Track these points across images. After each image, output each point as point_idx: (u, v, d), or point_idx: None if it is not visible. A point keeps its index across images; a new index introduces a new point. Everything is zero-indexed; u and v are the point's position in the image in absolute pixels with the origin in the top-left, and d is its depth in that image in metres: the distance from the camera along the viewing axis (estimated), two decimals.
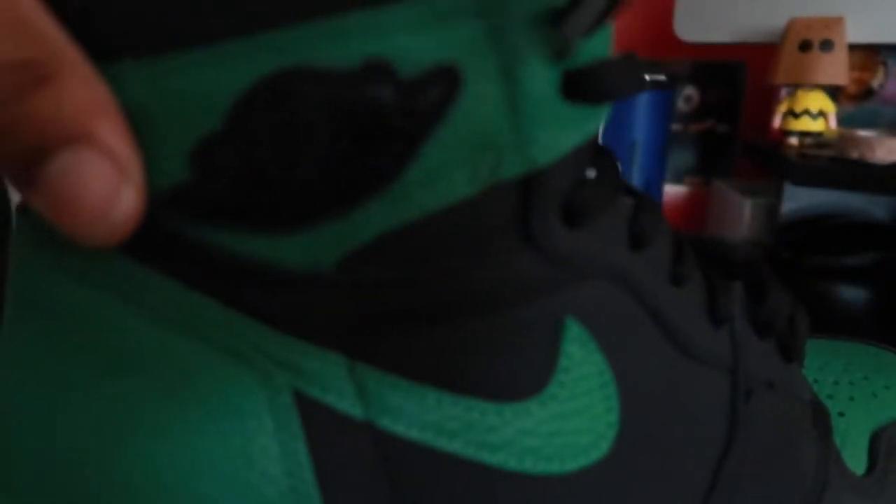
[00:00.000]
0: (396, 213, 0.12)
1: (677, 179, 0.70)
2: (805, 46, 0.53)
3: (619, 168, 0.14)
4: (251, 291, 0.12)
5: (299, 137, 0.11)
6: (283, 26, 0.10)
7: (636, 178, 0.66)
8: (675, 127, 0.69)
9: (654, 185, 0.67)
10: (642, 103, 0.65)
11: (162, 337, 0.12)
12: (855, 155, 0.49)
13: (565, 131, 0.12)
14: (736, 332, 0.16)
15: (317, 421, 0.13)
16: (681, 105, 0.68)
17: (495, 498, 0.14)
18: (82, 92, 0.11)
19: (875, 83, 0.63)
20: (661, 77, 0.64)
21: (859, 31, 0.54)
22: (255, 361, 0.12)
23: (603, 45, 0.13)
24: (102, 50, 0.11)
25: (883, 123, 0.64)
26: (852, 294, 0.48)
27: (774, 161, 0.53)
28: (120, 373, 0.12)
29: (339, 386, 0.13)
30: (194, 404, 0.12)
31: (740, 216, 0.62)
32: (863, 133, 0.54)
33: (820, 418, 0.17)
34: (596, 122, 0.13)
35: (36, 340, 0.13)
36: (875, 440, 0.18)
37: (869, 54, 0.63)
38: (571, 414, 0.14)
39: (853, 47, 0.56)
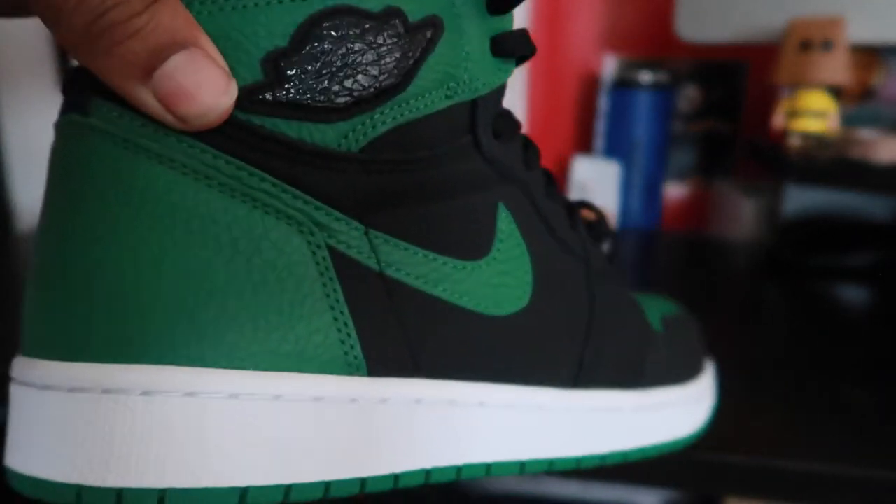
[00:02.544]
0: (402, 112, 0.17)
1: (678, 179, 0.70)
2: (806, 46, 0.53)
3: (514, 114, 0.21)
4: (299, 168, 0.16)
5: (344, 54, 0.16)
6: None
7: (637, 178, 0.66)
8: (676, 127, 0.69)
9: (655, 185, 0.67)
10: (643, 103, 0.65)
11: (228, 204, 0.16)
12: (856, 155, 0.49)
13: (493, 75, 0.19)
14: (583, 237, 0.23)
15: (346, 269, 0.18)
16: (682, 105, 0.69)
17: (466, 331, 0.20)
18: (183, 9, 0.15)
19: (875, 83, 0.63)
20: (663, 77, 0.64)
21: (860, 31, 0.54)
22: (300, 223, 0.17)
23: (510, 22, 0.19)
24: None
25: (883, 123, 0.64)
26: (852, 294, 0.48)
27: (775, 161, 0.53)
28: (196, 235, 0.16)
29: (359, 245, 0.18)
30: (256, 256, 0.16)
31: (741, 216, 0.62)
32: (863, 133, 0.54)
33: (634, 301, 0.25)
34: (508, 73, 0.20)
35: (121, 215, 0.16)
36: (663, 319, 0.26)
37: (869, 54, 0.63)
38: (506, 273, 0.20)
39: (854, 47, 0.56)
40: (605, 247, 0.26)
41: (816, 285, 0.50)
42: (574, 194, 0.67)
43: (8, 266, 0.51)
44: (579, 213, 0.24)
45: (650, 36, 0.68)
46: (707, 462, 0.26)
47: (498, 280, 0.20)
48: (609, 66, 0.69)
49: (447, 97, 0.18)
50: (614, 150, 0.66)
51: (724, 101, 0.68)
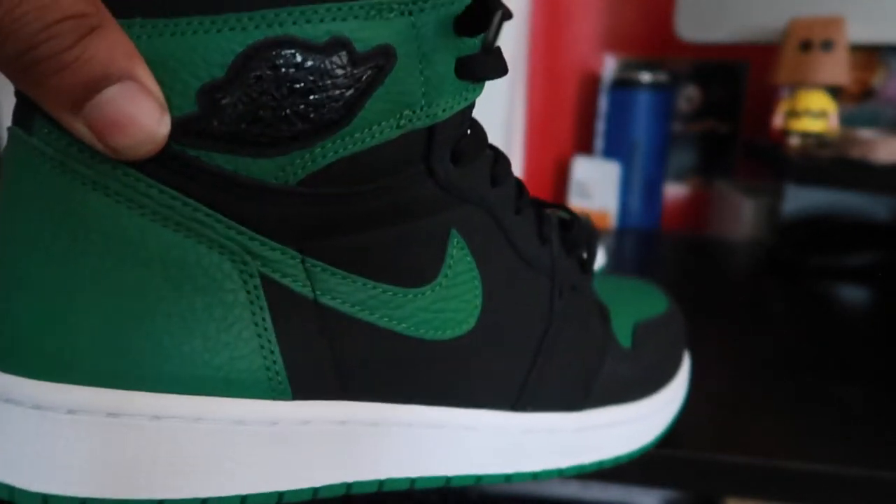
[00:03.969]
0: (345, 146, 0.17)
1: (678, 179, 0.70)
2: (806, 46, 0.54)
3: (484, 130, 0.21)
4: (233, 199, 0.16)
5: (282, 89, 0.15)
6: (270, 7, 0.15)
7: (637, 178, 0.66)
8: (676, 127, 0.69)
9: (655, 185, 0.67)
10: (643, 103, 0.65)
11: (160, 232, 0.16)
12: (856, 155, 0.49)
13: (456, 98, 0.18)
14: (554, 250, 0.23)
15: (277, 297, 0.17)
16: (682, 105, 0.69)
17: (401, 355, 0.19)
18: (122, 39, 0.14)
19: (875, 83, 0.63)
20: (663, 77, 0.64)
21: (860, 31, 0.54)
22: (233, 252, 0.17)
23: (480, 44, 0.18)
24: (117, 8, 0.15)
25: (883, 123, 0.64)
26: (852, 294, 0.48)
27: (775, 161, 0.53)
28: (127, 260, 0.16)
29: (293, 273, 0.18)
30: (187, 283, 0.17)
31: (741, 216, 0.62)
32: (863, 133, 0.54)
33: (602, 312, 0.25)
34: (475, 95, 0.19)
35: (52, 239, 0.16)
36: (635, 329, 0.26)
37: (869, 54, 0.63)
38: (451, 298, 0.20)
39: (854, 47, 0.56)
40: (585, 252, 0.25)
41: (816, 285, 0.50)
42: (574, 194, 0.67)
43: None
44: (553, 224, 0.23)
45: (650, 36, 0.68)
46: (707, 462, 0.26)
47: (441, 306, 0.20)
48: (609, 66, 0.69)
49: (399, 127, 0.17)
50: (614, 150, 0.66)
51: (724, 101, 0.68)
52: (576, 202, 0.67)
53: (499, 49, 0.19)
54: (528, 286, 0.22)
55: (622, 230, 0.66)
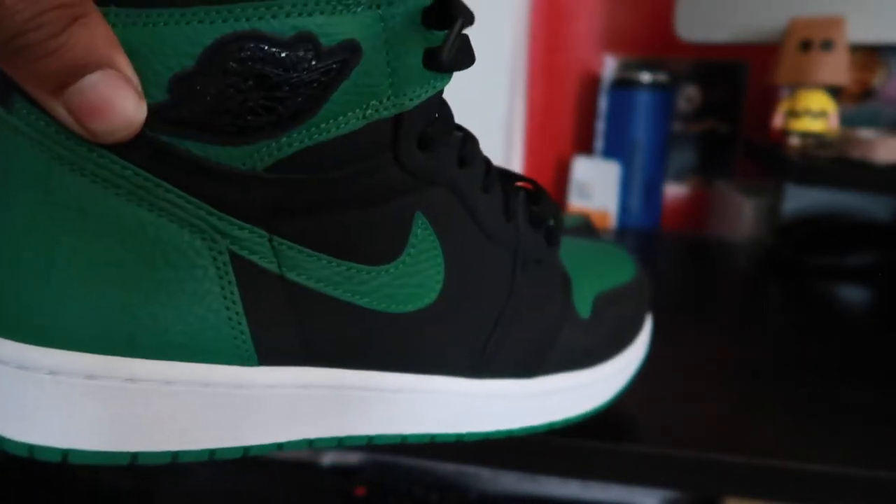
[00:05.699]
0: (310, 136, 0.17)
1: (678, 179, 0.70)
2: (806, 46, 0.54)
3: (451, 112, 0.21)
4: (204, 182, 0.17)
5: (248, 81, 0.16)
6: (238, 1, 0.16)
7: (637, 178, 0.66)
8: (676, 127, 0.69)
9: (655, 185, 0.67)
10: (643, 103, 0.65)
11: (135, 211, 0.17)
12: (856, 155, 0.49)
13: (423, 88, 0.19)
14: (519, 225, 0.23)
15: (246, 272, 0.19)
16: (682, 105, 0.69)
17: (365, 328, 0.21)
18: (105, 29, 0.15)
19: (876, 83, 0.63)
20: (663, 77, 0.64)
21: (860, 30, 0.54)
22: (204, 231, 0.18)
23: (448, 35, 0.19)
24: None
25: (883, 123, 0.64)
26: (852, 294, 0.48)
27: (775, 161, 0.53)
28: (104, 238, 0.17)
29: (261, 250, 0.19)
30: (160, 259, 0.18)
31: (741, 216, 0.62)
32: (863, 133, 0.54)
33: (565, 283, 0.26)
34: (443, 83, 0.19)
35: (33, 215, 0.17)
36: (596, 299, 0.27)
37: (869, 54, 0.63)
38: (414, 274, 0.21)
39: (854, 47, 0.56)
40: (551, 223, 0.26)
41: (816, 285, 0.50)
42: (574, 194, 0.67)
43: None
44: (520, 199, 0.24)
45: (650, 36, 0.68)
46: (707, 462, 0.26)
47: (404, 282, 0.21)
48: (609, 66, 0.69)
49: (364, 117, 0.18)
50: (614, 150, 0.66)
51: (724, 101, 0.68)
52: (576, 202, 0.67)
53: (466, 38, 0.19)
54: (491, 261, 0.23)
55: (622, 230, 0.66)
